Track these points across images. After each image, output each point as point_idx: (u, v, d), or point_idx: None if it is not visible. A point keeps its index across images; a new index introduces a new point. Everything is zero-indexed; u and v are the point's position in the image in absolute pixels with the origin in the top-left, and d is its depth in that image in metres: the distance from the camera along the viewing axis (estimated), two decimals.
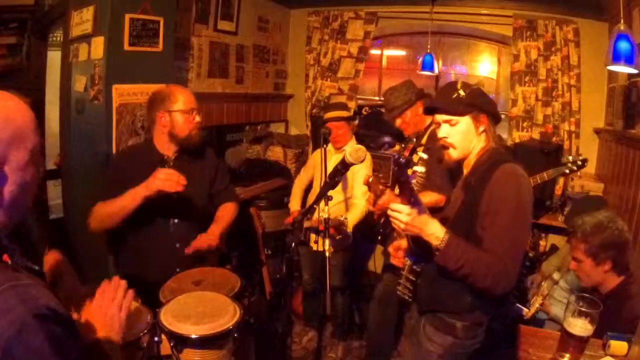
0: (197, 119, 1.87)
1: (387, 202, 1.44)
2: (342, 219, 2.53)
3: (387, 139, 1.29)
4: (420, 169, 1.19)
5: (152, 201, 1.69)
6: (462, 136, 1.44)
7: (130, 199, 1.68)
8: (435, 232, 1.33)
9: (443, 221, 1.40)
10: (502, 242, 1.31)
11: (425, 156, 1.34)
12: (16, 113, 0.81)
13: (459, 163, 1.51)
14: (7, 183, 0.79)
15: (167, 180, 1.65)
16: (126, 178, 1.78)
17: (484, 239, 1.34)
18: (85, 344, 0.85)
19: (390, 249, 1.75)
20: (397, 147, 3.45)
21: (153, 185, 1.65)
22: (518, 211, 1.33)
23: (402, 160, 1.18)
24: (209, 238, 1.86)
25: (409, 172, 1.21)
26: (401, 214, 1.32)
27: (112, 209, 1.72)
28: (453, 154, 1.47)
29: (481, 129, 1.43)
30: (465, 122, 1.43)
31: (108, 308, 1.05)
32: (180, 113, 1.83)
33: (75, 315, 1.06)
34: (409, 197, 1.31)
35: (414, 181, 2.36)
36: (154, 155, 1.88)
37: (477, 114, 1.42)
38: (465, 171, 1.50)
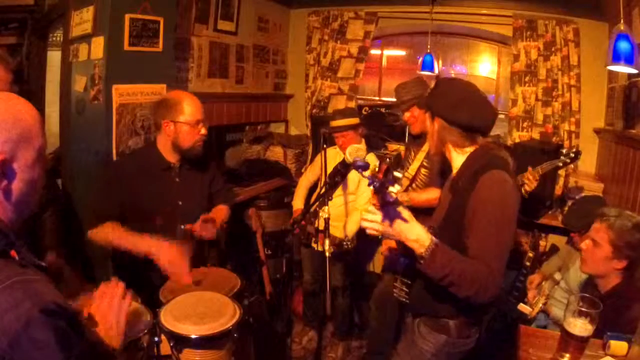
0: (203, 131, 1.84)
1: None
2: (344, 239, 2.54)
3: (360, 163, 1.27)
4: (395, 188, 1.12)
5: (155, 209, 1.70)
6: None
7: (134, 246, 1.65)
8: (419, 238, 1.24)
9: (429, 222, 1.37)
10: (488, 249, 1.28)
11: (400, 175, 1.29)
12: (25, 113, 0.84)
13: (447, 161, 1.51)
14: (15, 180, 0.82)
15: (173, 273, 1.60)
16: (130, 183, 1.79)
17: (469, 246, 1.32)
18: (90, 341, 0.86)
19: (385, 252, 1.74)
20: (395, 147, 3.46)
21: (159, 258, 1.60)
22: (502, 218, 1.31)
23: (376, 184, 1.13)
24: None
25: (389, 190, 1.14)
26: (376, 216, 1.23)
27: (114, 242, 1.71)
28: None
29: None
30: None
31: (107, 310, 1.05)
32: (186, 124, 1.80)
33: (82, 311, 1.06)
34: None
35: (416, 182, 2.37)
36: (159, 161, 1.87)
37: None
38: (454, 171, 1.49)
